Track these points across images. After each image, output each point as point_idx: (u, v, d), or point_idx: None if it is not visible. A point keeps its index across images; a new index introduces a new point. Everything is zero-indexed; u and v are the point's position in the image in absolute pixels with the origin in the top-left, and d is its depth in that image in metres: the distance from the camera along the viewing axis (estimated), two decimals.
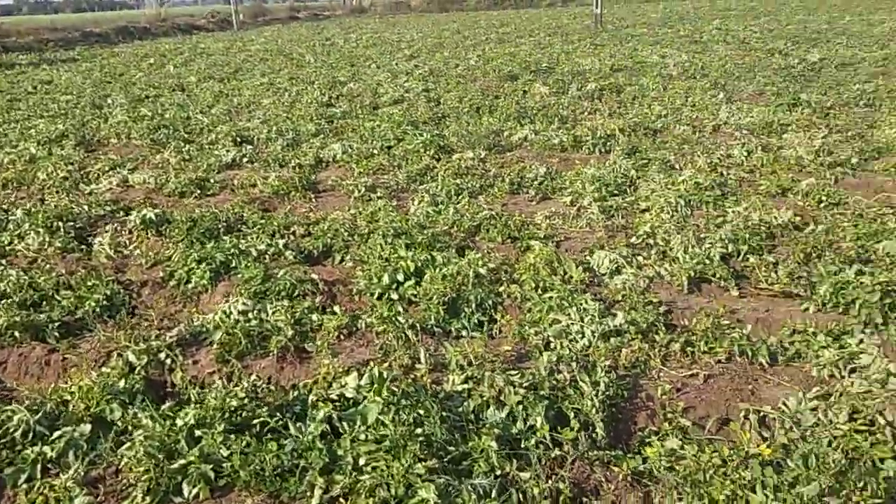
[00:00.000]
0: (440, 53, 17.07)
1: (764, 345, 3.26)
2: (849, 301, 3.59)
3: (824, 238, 4.48)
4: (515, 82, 11.71)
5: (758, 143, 6.99)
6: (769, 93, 9.70)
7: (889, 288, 3.54)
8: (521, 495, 2.40)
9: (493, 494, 2.36)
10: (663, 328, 3.47)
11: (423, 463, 2.44)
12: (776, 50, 14.19)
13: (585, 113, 9.01)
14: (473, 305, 3.79)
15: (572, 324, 3.45)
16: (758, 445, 2.58)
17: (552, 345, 3.36)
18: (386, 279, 4.03)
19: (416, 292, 3.93)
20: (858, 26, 18.49)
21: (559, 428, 2.72)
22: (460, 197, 5.68)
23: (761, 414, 2.80)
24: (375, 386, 2.89)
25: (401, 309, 3.74)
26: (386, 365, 3.17)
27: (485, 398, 2.88)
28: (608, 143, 7.31)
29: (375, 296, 3.99)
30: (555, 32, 21.74)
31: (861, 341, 3.22)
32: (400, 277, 4.05)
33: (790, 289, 3.88)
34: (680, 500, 2.36)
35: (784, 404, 2.80)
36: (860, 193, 5.39)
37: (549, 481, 2.45)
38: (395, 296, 3.95)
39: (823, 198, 5.29)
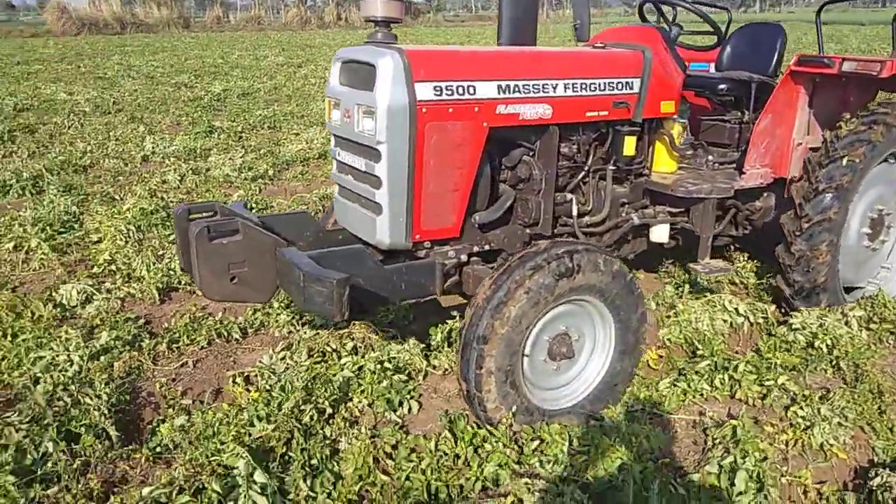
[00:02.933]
0: None
1: (234, 324, 3.95)
2: None
3: None
4: None
5: (187, 167, 7.70)
6: (185, 122, 10.58)
7: None
8: None
9: None
10: (147, 335, 3.84)
11: None
12: (182, 83, 15.26)
13: (0, 157, 8.34)
14: None
15: (57, 355, 3.52)
16: (249, 396, 3.24)
17: (42, 379, 3.37)
18: None
19: None
20: (248, 61, 21.11)
21: (73, 445, 2.88)
22: None
23: (245, 374, 3.46)
24: None
25: None
26: None
27: None
28: (38, 184, 7.03)
29: None
30: None
31: None
32: None
33: None
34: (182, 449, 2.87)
35: (260, 362, 3.52)
36: (280, 197, 6.60)
37: (79, 484, 2.63)
38: None
39: (253, 205, 6.29)
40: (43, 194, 6.64)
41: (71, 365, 3.47)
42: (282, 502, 2.55)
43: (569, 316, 3.07)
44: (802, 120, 4.01)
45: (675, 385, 3.38)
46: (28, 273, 4.85)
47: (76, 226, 5.80)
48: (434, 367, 3.56)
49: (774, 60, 4.56)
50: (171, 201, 6.48)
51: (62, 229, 5.64)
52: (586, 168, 3.58)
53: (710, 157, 4.22)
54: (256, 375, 3.43)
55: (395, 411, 3.19)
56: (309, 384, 3.19)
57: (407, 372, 3.46)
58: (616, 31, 3.94)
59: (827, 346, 3.57)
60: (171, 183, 7.09)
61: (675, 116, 3.76)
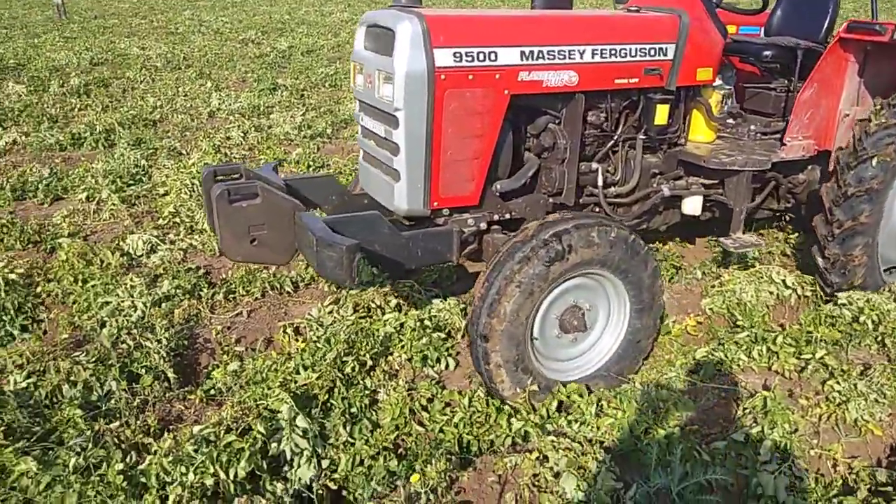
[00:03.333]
0: None
1: (287, 278, 4.14)
2: None
3: None
4: None
5: (250, 124, 7.93)
6: (250, 79, 10.83)
7: None
8: (115, 438, 2.75)
9: (90, 447, 2.66)
10: (206, 285, 4.07)
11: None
12: (249, 40, 15.53)
13: (76, 110, 8.76)
14: (13, 311, 3.77)
15: (123, 301, 3.78)
16: (297, 346, 3.43)
17: (108, 323, 3.64)
18: None
19: None
20: (314, 17, 21.25)
21: (134, 384, 3.12)
22: None
23: (294, 325, 3.65)
24: None
25: None
26: None
27: (55, 383, 3.07)
28: (111, 137, 7.38)
29: None
30: (10, 25, 19.52)
31: None
32: None
33: None
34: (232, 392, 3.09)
35: (309, 314, 3.70)
36: (338, 156, 6.75)
37: (138, 420, 2.87)
38: None
39: (310, 163, 6.47)
40: (114, 147, 6.97)
41: (135, 311, 3.72)
42: (322, 446, 2.72)
43: (575, 290, 3.06)
44: (851, 90, 3.79)
45: (712, 354, 3.40)
46: (98, 223, 5.15)
47: (144, 178, 6.10)
48: None
49: (825, 26, 4.30)
50: (235, 157, 6.72)
51: (131, 181, 5.95)
52: (615, 137, 3.48)
53: (753, 127, 4.02)
54: (305, 327, 3.61)
55: (432, 367, 3.33)
56: (352, 337, 3.35)
57: (447, 330, 3.57)
58: None
59: (872, 321, 3.51)
60: (235, 139, 7.32)
61: (713, 84, 3.63)
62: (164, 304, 3.81)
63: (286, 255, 3.06)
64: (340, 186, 3.56)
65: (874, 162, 3.52)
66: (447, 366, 3.36)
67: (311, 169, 6.37)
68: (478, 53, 2.86)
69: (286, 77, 10.85)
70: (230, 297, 3.98)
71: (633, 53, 3.24)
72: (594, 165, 3.46)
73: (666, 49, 3.32)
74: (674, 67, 3.37)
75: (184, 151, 6.97)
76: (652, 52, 3.29)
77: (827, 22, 4.30)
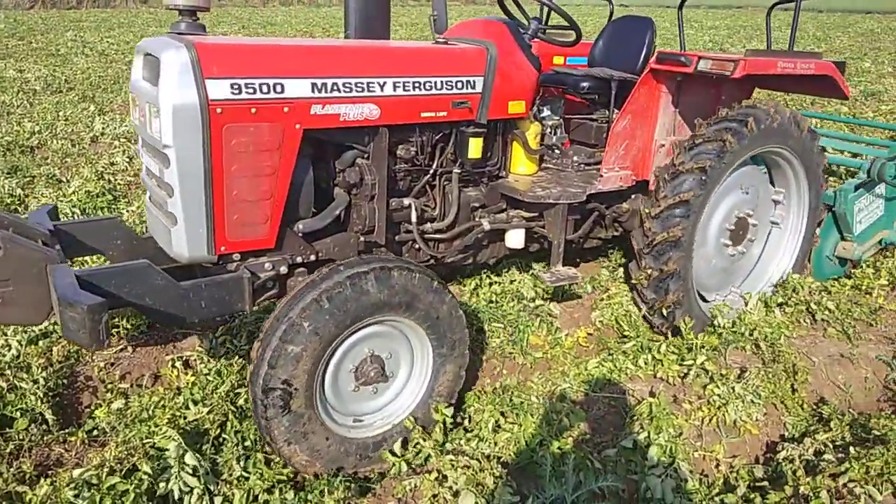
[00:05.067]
0: None
1: None
2: None
3: None
4: None
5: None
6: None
7: None
8: None
9: None
10: None
11: None
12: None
13: None
14: None
15: None
16: (187, 380, 3.30)
17: None
18: None
19: None
20: None
21: (8, 429, 2.92)
22: None
23: (184, 358, 3.51)
24: None
25: None
26: None
27: None
28: None
29: None
30: None
31: None
32: None
33: None
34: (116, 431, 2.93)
35: (199, 346, 3.57)
36: None
37: (11, 468, 2.68)
38: None
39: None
40: None
41: (9, 350, 3.48)
42: (215, 482, 2.63)
43: (373, 337, 2.83)
44: (666, 120, 3.84)
45: (602, 364, 3.52)
46: None
47: (21, 208, 5.74)
48: None
49: (642, 57, 4.30)
50: (119, 183, 6.44)
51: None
52: (430, 171, 3.37)
53: (576, 158, 4.05)
54: (195, 359, 3.48)
55: None
56: (245, 368, 3.26)
57: None
58: (467, 24, 3.68)
59: (747, 327, 3.75)
60: (120, 165, 7.01)
61: (531, 116, 3.64)
62: (40, 342, 3.58)
63: (40, 313, 2.57)
64: (128, 230, 3.20)
65: (691, 175, 3.55)
66: None
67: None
68: (261, 85, 2.62)
69: None
70: (113, 331, 3.78)
71: (438, 86, 3.12)
72: (406, 201, 3.32)
73: (474, 82, 3.24)
74: (483, 100, 3.28)
75: (64, 179, 6.60)
76: (459, 84, 3.19)
77: (644, 53, 4.32)
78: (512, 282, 4.38)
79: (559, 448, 2.82)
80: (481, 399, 3.22)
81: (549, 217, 3.69)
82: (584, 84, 4.04)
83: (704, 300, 4.08)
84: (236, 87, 2.57)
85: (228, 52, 2.62)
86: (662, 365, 3.46)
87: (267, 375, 2.54)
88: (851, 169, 5.74)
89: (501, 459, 2.79)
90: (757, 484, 2.83)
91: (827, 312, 4.06)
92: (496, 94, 3.30)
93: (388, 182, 3.19)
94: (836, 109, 9.82)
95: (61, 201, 5.63)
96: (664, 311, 3.71)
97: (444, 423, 2.95)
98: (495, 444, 2.87)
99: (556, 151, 4.03)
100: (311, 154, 2.98)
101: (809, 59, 3.81)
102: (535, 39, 3.88)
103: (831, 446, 2.95)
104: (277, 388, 2.56)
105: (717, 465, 2.98)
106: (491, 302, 4.12)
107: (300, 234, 3.00)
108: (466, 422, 3.10)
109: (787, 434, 3.20)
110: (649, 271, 3.66)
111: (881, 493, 2.61)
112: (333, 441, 2.78)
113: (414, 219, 3.31)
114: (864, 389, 3.58)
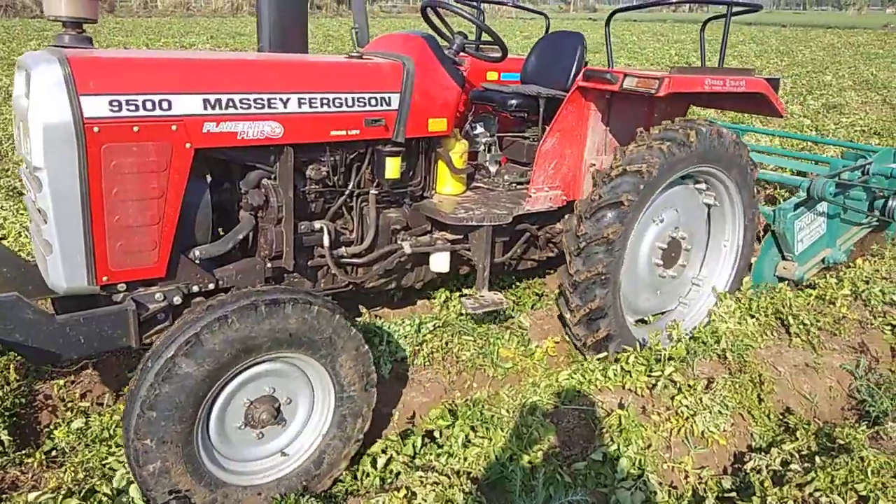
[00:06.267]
0: None
1: None
2: None
3: None
4: None
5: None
6: None
7: None
8: None
9: None
10: None
11: None
12: None
13: None
14: None
15: None
16: None
17: None
18: None
19: None
20: (174, 49, 20.52)
21: None
22: None
23: None
24: None
25: None
26: None
27: None
28: None
29: None
30: None
31: None
32: None
33: None
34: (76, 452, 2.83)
35: None
36: None
37: None
38: None
39: None
40: None
41: None
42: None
43: (266, 375, 2.59)
44: (596, 139, 3.71)
45: (572, 376, 3.52)
46: None
47: None
48: None
49: (572, 73, 4.12)
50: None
51: None
52: (346, 192, 3.22)
53: (507, 177, 3.91)
54: None
55: None
56: None
57: None
58: (387, 38, 3.56)
59: (714, 336, 3.78)
60: None
61: (456, 133, 3.53)
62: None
63: None
64: (16, 258, 3.00)
65: (610, 210, 3.37)
66: None
67: None
68: (144, 102, 2.44)
69: None
70: None
71: (349, 103, 2.97)
72: (318, 224, 3.14)
73: (389, 98, 3.10)
74: (400, 118, 3.15)
75: (25, 191, 6.45)
76: (373, 101, 3.05)
77: (573, 69, 4.15)
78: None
79: (529, 462, 2.81)
80: (452, 413, 3.20)
81: (474, 240, 3.55)
82: (512, 101, 3.90)
83: (644, 321, 4.01)
84: (116, 104, 2.39)
85: (107, 67, 2.44)
86: (631, 376, 3.47)
87: (141, 418, 2.28)
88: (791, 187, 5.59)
89: (471, 475, 2.77)
90: (725, 495, 2.85)
91: (791, 319, 4.10)
92: (414, 111, 3.18)
93: (297, 204, 3.03)
94: (798, 123, 10.03)
95: (22, 214, 5.50)
96: (597, 346, 3.59)
97: (415, 439, 2.93)
98: (465, 459, 2.85)
99: (488, 170, 3.93)
100: (209, 174, 2.85)
101: (740, 77, 3.67)
102: (466, 55, 3.75)
103: (797, 456, 2.98)
104: (152, 433, 2.29)
105: (686, 477, 2.99)
106: (461, 314, 4.10)
107: (197, 261, 2.80)
108: (438, 436, 3.07)
109: (754, 444, 3.23)
110: (576, 309, 3.51)
111: (846, 502, 2.65)
112: (218, 492, 2.51)
113: (326, 243, 3.13)
114: (828, 398, 3.63)
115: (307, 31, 3.31)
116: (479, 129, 3.98)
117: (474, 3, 4.61)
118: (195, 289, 2.79)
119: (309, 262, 3.20)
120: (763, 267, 4.49)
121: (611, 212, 3.37)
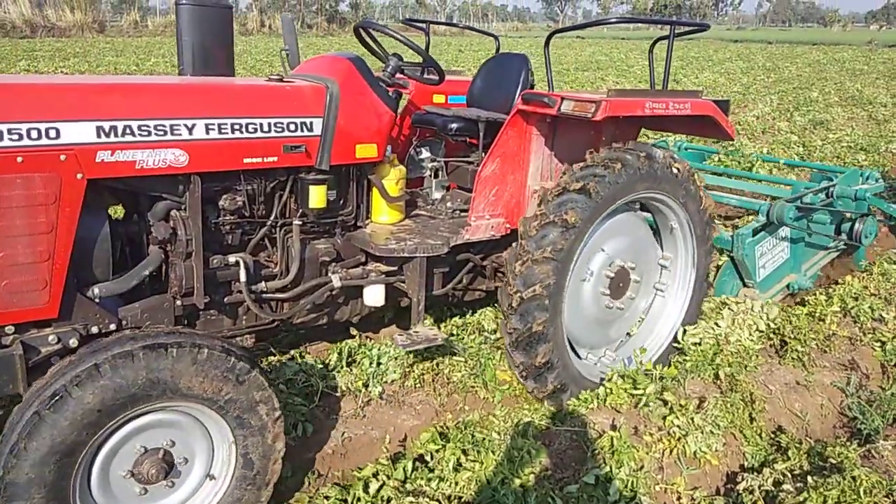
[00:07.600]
0: None
1: None
2: None
3: None
4: None
5: None
6: None
7: None
8: None
9: None
10: None
11: None
12: None
13: None
14: None
15: None
16: None
17: None
18: None
19: None
20: (164, 68, 20.57)
21: None
22: None
23: None
24: None
25: None
26: None
27: None
28: None
29: None
30: None
31: None
32: None
33: None
34: None
35: None
36: None
37: None
38: None
39: None
40: None
41: None
42: None
43: (158, 426, 2.36)
44: (539, 164, 3.53)
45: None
46: None
47: None
48: (332, 389, 3.58)
49: (515, 97, 3.84)
50: None
51: None
52: (267, 223, 3.04)
53: (450, 204, 3.74)
54: None
55: (287, 434, 3.19)
56: None
57: (305, 393, 3.47)
58: (315, 60, 3.40)
59: (706, 356, 3.78)
60: None
61: (389, 159, 3.35)
62: None
63: None
64: None
65: (554, 229, 3.19)
66: (304, 431, 3.24)
67: None
68: (28, 130, 2.26)
69: None
70: None
71: (266, 128, 2.79)
72: (233, 258, 2.93)
73: (311, 123, 2.93)
74: (324, 144, 2.98)
75: None
76: (292, 126, 2.87)
77: (517, 92, 3.93)
78: (472, 314, 4.37)
79: (521, 486, 2.79)
80: (443, 436, 3.18)
81: (408, 272, 3.37)
82: (453, 125, 3.76)
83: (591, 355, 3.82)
84: None
85: None
86: (623, 396, 3.46)
87: (9, 463, 2.07)
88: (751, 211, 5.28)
89: (463, 499, 2.75)
90: None
91: (778, 337, 4.10)
92: (340, 136, 3.01)
93: (210, 236, 2.86)
94: (786, 139, 10.12)
95: None
96: (535, 375, 3.35)
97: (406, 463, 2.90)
98: (456, 483, 2.82)
99: (431, 197, 3.81)
100: (117, 206, 2.68)
101: (685, 99, 3.47)
102: (407, 76, 3.60)
103: (790, 475, 2.98)
104: (20, 476, 2.08)
105: (679, 498, 2.98)
106: (452, 335, 4.09)
107: (96, 300, 2.59)
108: (429, 459, 3.05)
109: (746, 464, 3.22)
110: (515, 332, 3.28)
111: None
112: None
113: (243, 277, 2.90)
114: (820, 417, 3.63)
115: (232, 52, 3.16)
116: (425, 154, 3.88)
117: (422, 25, 4.57)
118: (94, 330, 2.58)
119: (226, 299, 2.99)
120: (724, 293, 4.35)
121: (554, 230, 3.19)
